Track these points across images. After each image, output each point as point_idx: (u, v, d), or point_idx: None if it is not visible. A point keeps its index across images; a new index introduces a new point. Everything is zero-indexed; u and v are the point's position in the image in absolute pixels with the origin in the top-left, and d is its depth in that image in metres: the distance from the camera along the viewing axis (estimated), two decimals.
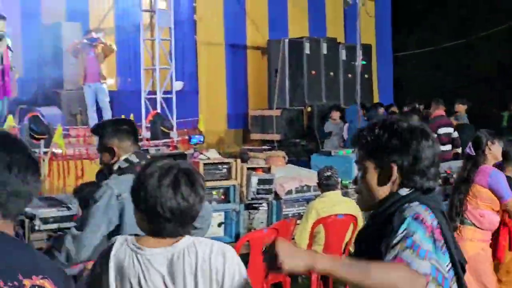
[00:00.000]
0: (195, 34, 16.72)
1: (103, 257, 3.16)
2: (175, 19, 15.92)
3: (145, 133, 14.63)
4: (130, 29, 16.93)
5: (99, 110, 15.19)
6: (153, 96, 15.34)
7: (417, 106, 17.64)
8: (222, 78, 16.78)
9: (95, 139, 5.12)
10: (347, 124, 15.75)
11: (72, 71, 17.12)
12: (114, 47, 15.27)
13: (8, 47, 12.62)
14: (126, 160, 4.77)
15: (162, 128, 13.77)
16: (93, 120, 15.16)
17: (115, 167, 4.77)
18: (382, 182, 2.98)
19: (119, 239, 3.16)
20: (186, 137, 13.60)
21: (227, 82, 16.89)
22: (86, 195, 6.24)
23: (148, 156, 5.02)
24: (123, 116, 14.88)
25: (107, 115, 14.96)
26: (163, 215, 3.05)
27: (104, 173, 4.97)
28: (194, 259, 3.07)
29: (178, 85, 16.16)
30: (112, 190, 4.63)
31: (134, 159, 4.77)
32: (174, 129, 14.73)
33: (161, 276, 3.05)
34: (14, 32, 14.97)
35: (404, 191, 2.96)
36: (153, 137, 13.79)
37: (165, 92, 15.47)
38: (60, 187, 10.89)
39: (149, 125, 14.41)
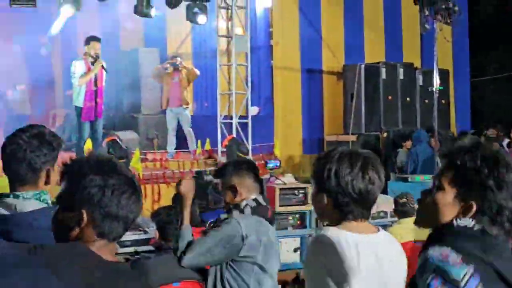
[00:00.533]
0: (271, 59, 16.78)
1: None
2: (252, 44, 16.01)
3: (220, 158, 14.72)
4: (207, 54, 17.10)
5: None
6: (229, 121, 15.43)
7: (495, 132, 17.38)
8: (297, 103, 16.79)
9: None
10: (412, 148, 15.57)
11: (149, 96, 17.38)
12: (198, 72, 15.46)
13: (103, 68, 12.88)
14: (255, 200, 4.85)
15: (238, 152, 13.82)
16: (171, 144, 15.38)
17: (242, 205, 4.84)
18: (453, 210, 2.82)
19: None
20: (262, 162, 13.62)
21: (303, 107, 16.88)
22: (163, 219, 6.30)
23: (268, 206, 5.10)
24: (199, 141, 15.08)
25: (190, 139, 15.17)
26: (353, 197, 3.15)
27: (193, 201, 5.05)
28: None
29: (254, 110, 16.22)
30: (241, 229, 4.70)
31: (262, 201, 4.85)
32: (250, 153, 14.77)
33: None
34: None
35: (465, 222, 2.78)
36: None
37: (241, 117, 15.54)
38: None
39: (225, 150, 14.49)
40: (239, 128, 15.37)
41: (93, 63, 12.75)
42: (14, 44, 19.53)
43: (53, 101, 20.05)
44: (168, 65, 15.61)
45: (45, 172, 3.42)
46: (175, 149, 15.66)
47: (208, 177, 10.47)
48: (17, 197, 3.27)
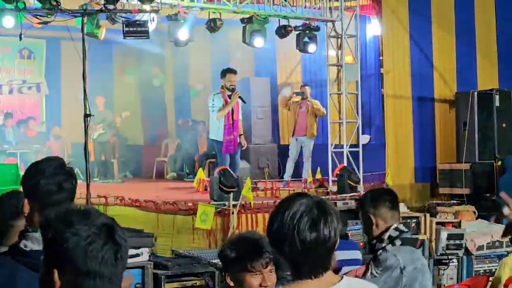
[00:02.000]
0: (382, 87, 16.67)
1: None
2: (362, 72, 15.96)
3: (331, 187, 14.67)
4: (317, 83, 17.12)
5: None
6: (340, 150, 15.38)
7: None
8: (409, 131, 16.59)
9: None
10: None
11: (260, 126, 17.52)
12: (324, 111, 15.59)
13: (240, 99, 13.02)
14: (397, 229, 4.84)
15: (349, 181, 13.74)
16: (288, 173, 15.51)
17: (386, 236, 4.84)
18: None
19: None
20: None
21: (415, 135, 16.67)
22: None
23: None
24: (309, 170, 15.08)
25: (306, 168, 15.25)
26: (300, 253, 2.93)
27: None
28: None
29: (365, 139, 16.13)
30: (399, 262, 4.69)
31: (404, 228, 4.83)
32: (361, 182, 14.67)
33: None
34: None
35: None
36: (340, 190, 13.78)
37: (352, 146, 15.47)
38: None
39: (336, 179, 14.43)
40: (350, 157, 15.30)
41: (230, 96, 12.85)
42: (127, 75, 20.03)
43: (165, 131, 20.42)
44: (294, 95, 15.84)
45: None
46: (281, 177, 15.75)
47: None
48: None
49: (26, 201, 3.34)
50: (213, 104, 12.88)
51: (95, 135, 17.76)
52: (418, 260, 4.86)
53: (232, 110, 12.87)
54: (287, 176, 15.59)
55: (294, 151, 15.72)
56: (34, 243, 3.25)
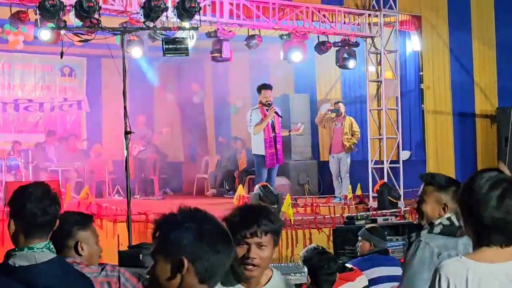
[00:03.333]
0: (422, 103, 16.58)
1: None
2: (402, 88, 15.90)
3: (372, 203, 14.60)
4: (356, 99, 17.07)
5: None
6: (380, 166, 15.32)
7: None
8: (450, 147, 16.47)
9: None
10: None
11: (300, 142, 17.50)
12: (359, 135, 15.63)
13: (276, 114, 13.14)
14: (449, 219, 4.78)
15: (389, 197, 13.68)
16: (338, 189, 15.52)
17: (436, 222, 4.77)
18: None
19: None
20: (415, 207, 13.39)
21: (455, 151, 16.54)
22: (316, 263, 6.26)
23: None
24: (349, 186, 15.02)
25: (345, 184, 15.25)
26: (487, 224, 3.06)
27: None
28: None
29: (405, 155, 16.05)
30: (432, 249, 4.63)
31: (455, 221, 4.75)
32: (402, 198, 14.58)
33: None
34: None
35: None
36: (380, 206, 13.72)
37: (392, 162, 15.40)
38: (288, 256, 11.02)
39: (376, 195, 14.36)
40: (391, 173, 15.22)
41: (267, 111, 13.00)
42: (167, 93, 20.12)
43: (205, 148, 20.46)
44: (329, 111, 15.87)
45: None
46: (321, 193, 15.73)
47: (360, 222, 10.38)
48: (31, 249, 3.53)
49: (12, 221, 3.59)
50: (250, 119, 13.09)
51: (135, 152, 17.86)
52: (454, 248, 4.75)
53: (273, 125, 13.03)
54: (338, 192, 15.64)
55: (333, 168, 15.75)
56: (22, 260, 3.48)
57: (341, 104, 15.97)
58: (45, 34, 12.04)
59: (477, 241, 3.10)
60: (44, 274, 3.39)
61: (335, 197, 15.73)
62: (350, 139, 15.58)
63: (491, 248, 3.05)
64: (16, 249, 3.53)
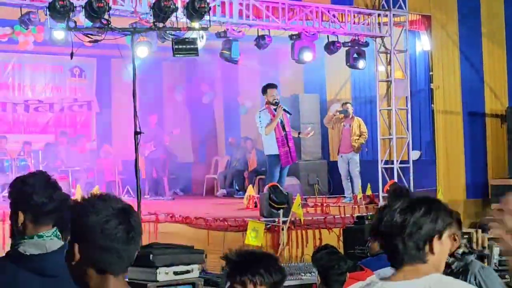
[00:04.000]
0: (432, 102, 16.54)
1: None
2: (412, 88, 15.87)
3: (382, 203, 14.57)
4: (366, 99, 17.07)
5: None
6: (390, 166, 15.30)
7: None
8: (460, 147, 16.43)
9: None
10: None
11: (310, 142, 17.49)
12: (366, 135, 15.67)
13: (285, 111, 13.14)
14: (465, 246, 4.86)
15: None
16: (347, 189, 15.52)
17: (460, 251, 4.82)
18: None
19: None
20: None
21: (466, 150, 16.50)
22: (326, 263, 6.26)
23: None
24: (359, 186, 15.01)
25: (356, 183, 15.25)
26: None
27: None
28: None
29: (415, 155, 16.03)
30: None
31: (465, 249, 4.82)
32: None
33: None
34: None
35: None
36: None
37: (402, 162, 15.38)
38: (298, 256, 11.02)
39: (386, 195, 14.34)
40: (401, 173, 15.20)
41: (275, 110, 12.99)
42: (177, 93, 20.14)
43: (215, 148, 20.48)
44: (337, 112, 15.89)
45: None
46: (331, 193, 15.73)
47: (370, 222, 10.37)
48: (41, 237, 3.57)
49: (20, 213, 3.61)
50: (260, 121, 13.08)
51: (146, 153, 17.92)
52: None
53: (282, 123, 13.05)
54: (348, 193, 15.65)
55: (342, 168, 15.79)
56: (32, 248, 3.52)
57: (349, 105, 16.01)
58: (59, 34, 12.05)
59: None
60: (54, 263, 3.39)
61: (345, 197, 15.73)
62: (358, 139, 15.61)
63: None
64: (25, 237, 3.57)
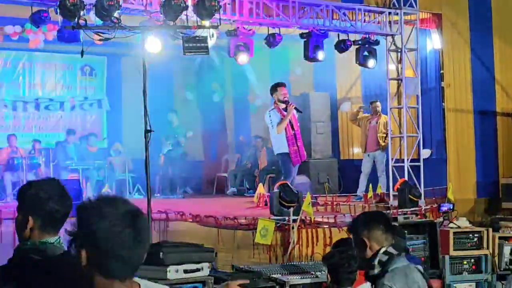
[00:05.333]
0: (443, 101, 16.51)
1: None
2: (422, 86, 15.84)
3: (392, 201, 14.56)
4: (376, 97, 17.04)
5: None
6: (401, 164, 15.27)
7: None
8: (471, 145, 16.39)
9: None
10: None
11: (320, 141, 17.49)
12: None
13: (296, 109, 13.11)
14: (386, 252, 4.76)
15: (410, 196, 13.61)
16: (362, 187, 15.50)
17: (375, 261, 4.75)
18: None
19: None
20: (435, 205, 13.36)
21: (476, 149, 16.46)
22: (336, 262, 6.25)
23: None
24: (370, 185, 14.98)
25: (382, 182, 15.20)
26: None
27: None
28: None
29: (425, 153, 15.99)
30: None
31: (393, 251, 4.73)
32: (422, 197, 14.53)
33: None
34: None
35: None
36: (400, 205, 13.67)
37: (413, 160, 15.35)
38: (308, 255, 11.01)
39: (396, 193, 14.32)
40: (411, 171, 15.18)
41: (285, 109, 12.98)
42: (187, 92, 20.16)
43: (225, 147, 20.49)
44: (361, 110, 15.94)
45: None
46: (341, 192, 15.70)
47: None
48: (44, 244, 3.60)
49: (30, 218, 3.63)
50: (271, 120, 13.04)
51: (165, 151, 18.06)
52: (414, 283, 4.75)
53: (291, 122, 13.01)
54: (360, 191, 15.62)
55: (366, 166, 15.77)
56: (36, 254, 3.54)
57: (378, 103, 16.01)
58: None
59: None
60: (57, 269, 3.41)
61: (355, 195, 15.71)
62: (385, 137, 15.60)
63: None
64: (29, 242, 3.60)
